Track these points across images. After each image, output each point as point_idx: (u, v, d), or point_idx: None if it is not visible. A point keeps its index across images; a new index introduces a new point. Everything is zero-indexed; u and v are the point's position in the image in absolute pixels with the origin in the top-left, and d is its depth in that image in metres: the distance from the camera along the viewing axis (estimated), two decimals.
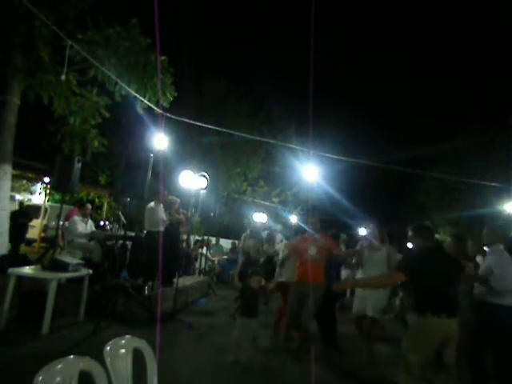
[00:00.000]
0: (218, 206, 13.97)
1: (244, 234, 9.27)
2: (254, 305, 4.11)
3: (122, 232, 7.03)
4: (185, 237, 9.88)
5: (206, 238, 10.82)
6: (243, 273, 4.34)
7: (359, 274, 4.84)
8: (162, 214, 6.35)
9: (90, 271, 5.14)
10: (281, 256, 5.47)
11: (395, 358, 3.67)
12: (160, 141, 6.95)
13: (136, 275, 6.17)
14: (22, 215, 10.50)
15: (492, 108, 18.85)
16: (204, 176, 8.04)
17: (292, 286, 4.75)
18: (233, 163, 15.52)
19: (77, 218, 6.69)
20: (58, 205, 9.77)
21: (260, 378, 3.88)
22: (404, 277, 3.10)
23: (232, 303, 5.70)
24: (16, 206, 13.06)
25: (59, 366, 1.50)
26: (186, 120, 8.04)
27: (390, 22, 49.90)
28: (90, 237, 6.57)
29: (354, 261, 5.01)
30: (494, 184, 12.38)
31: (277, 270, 5.43)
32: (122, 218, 7.60)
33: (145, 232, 6.66)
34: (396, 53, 51.14)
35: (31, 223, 13.86)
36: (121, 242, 6.45)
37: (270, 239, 7.04)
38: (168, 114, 7.17)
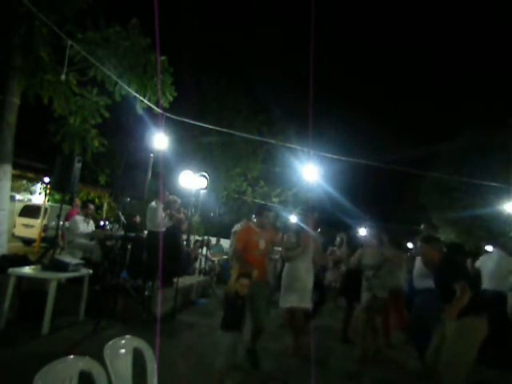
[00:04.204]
0: (218, 206, 13.96)
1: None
2: (241, 315, 3.37)
3: (121, 232, 7.03)
4: (185, 236, 9.86)
5: (205, 237, 10.82)
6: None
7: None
8: (162, 213, 6.35)
9: (90, 271, 5.14)
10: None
11: None
12: (160, 141, 6.95)
13: (136, 275, 6.17)
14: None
15: (492, 108, 18.87)
16: (204, 176, 8.03)
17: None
18: (233, 163, 15.51)
19: (78, 218, 6.71)
20: (58, 205, 9.77)
21: (259, 379, 3.88)
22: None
23: None
24: (16, 206, 13.05)
25: (59, 366, 1.50)
26: (186, 120, 8.03)
27: (391, 21, 49.88)
28: (91, 236, 6.60)
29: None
30: (494, 184, 12.37)
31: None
32: (122, 218, 7.60)
33: (146, 232, 6.67)
34: (396, 52, 51.12)
35: (31, 223, 13.92)
36: (121, 241, 6.45)
37: None
38: (168, 114, 7.16)
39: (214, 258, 11.26)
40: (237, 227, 7.65)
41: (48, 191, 15.09)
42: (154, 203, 6.43)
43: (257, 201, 16.23)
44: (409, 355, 4.93)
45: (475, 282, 5.52)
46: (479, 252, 6.60)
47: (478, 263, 5.85)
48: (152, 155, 5.68)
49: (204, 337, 4.99)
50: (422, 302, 4.47)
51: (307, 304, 4.51)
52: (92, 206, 7.15)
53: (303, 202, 18.15)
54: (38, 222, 13.50)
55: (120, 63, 6.55)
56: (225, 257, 12.03)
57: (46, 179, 14.34)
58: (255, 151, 16.04)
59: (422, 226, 5.04)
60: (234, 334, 3.27)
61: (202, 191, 8.77)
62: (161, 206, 6.33)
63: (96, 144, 7.16)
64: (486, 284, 5.47)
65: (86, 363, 1.62)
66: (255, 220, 4.42)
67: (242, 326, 3.36)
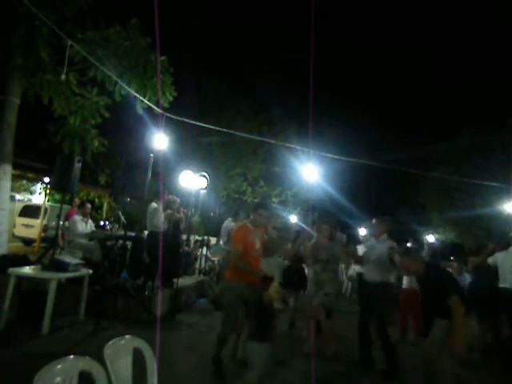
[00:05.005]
0: (218, 206, 13.96)
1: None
2: (270, 324, 3.23)
3: (122, 232, 7.03)
4: (185, 236, 9.85)
5: (205, 237, 10.82)
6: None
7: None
8: (163, 214, 6.35)
9: (90, 271, 5.14)
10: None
11: None
12: (160, 141, 6.95)
13: (136, 275, 6.16)
14: None
15: (492, 108, 18.88)
16: (204, 176, 8.03)
17: (235, 286, 3.69)
18: (233, 163, 15.52)
19: (77, 218, 6.71)
20: (58, 205, 9.78)
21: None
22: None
23: None
24: (16, 206, 13.04)
25: (59, 366, 1.50)
26: (186, 120, 8.03)
27: (390, 21, 49.90)
28: (91, 236, 6.59)
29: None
30: (494, 184, 12.38)
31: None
32: (122, 218, 7.59)
33: (146, 232, 6.66)
34: (396, 52, 51.16)
35: (31, 223, 13.93)
36: (121, 241, 6.45)
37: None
38: (168, 114, 7.16)
39: (213, 258, 11.24)
40: (227, 223, 7.62)
41: (48, 191, 15.09)
42: (154, 203, 6.43)
43: (257, 201, 16.23)
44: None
45: (491, 279, 5.54)
46: (480, 251, 6.53)
47: (492, 259, 5.68)
48: (152, 155, 5.68)
49: (204, 337, 4.99)
50: (373, 295, 4.36)
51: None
52: (89, 205, 7.14)
53: (303, 202, 18.17)
54: (37, 222, 13.50)
55: (120, 63, 6.55)
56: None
57: (46, 179, 14.34)
58: (255, 151, 16.05)
59: (374, 221, 4.58)
60: (266, 344, 3.16)
61: (202, 191, 8.78)
62: (161, 206, 6.33)
63: (96, 144, 7.16)
64: (506, 282, 5.35)
65: (86, 363, 1.62)
66: (251, 217, 4.09)
67: (269, 335, 3.22)
